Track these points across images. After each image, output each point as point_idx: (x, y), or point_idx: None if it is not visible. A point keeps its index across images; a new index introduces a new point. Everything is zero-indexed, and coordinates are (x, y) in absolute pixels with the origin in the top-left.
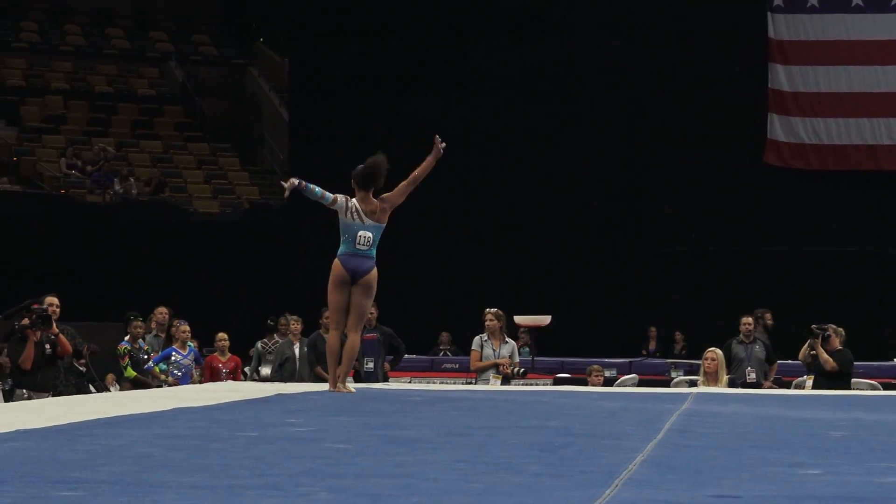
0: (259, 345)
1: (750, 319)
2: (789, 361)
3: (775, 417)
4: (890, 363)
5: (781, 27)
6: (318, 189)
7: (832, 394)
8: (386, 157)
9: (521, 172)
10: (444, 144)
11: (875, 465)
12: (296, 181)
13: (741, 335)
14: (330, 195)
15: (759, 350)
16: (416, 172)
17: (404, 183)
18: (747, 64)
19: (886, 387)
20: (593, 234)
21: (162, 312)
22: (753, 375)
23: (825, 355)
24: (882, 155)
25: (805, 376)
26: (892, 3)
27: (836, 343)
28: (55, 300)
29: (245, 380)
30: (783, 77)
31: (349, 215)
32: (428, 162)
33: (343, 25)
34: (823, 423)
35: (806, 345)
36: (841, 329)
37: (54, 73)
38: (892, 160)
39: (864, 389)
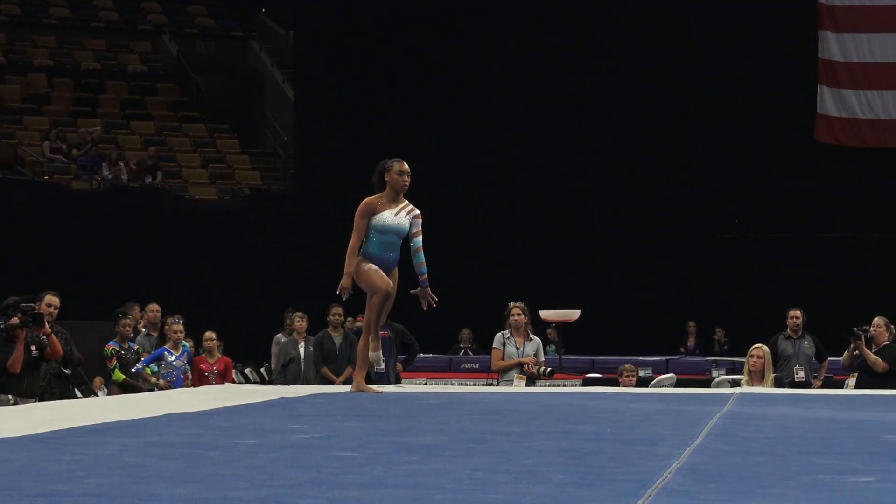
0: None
1: (798, 313)
2: (841, 359)
3: (826, 420)
4: None
5: None
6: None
7: (887, 394)
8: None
9: (547, 157)
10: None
11: None
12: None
13: (788, 330)
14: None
15: (808, 346)
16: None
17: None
18: (795, 32)
19: None
20: (625, 221)
21: (153, 310)
22: (802, 374)
23: (873, 356)
24: None
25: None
26: None
27: (885, 337)
28: (55, 300)
29: (249, 382)
30: (835, 46)
31: None
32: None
33: None
34: (878, 426)
35: (849, 348)
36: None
37: (37, 49)
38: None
39: None
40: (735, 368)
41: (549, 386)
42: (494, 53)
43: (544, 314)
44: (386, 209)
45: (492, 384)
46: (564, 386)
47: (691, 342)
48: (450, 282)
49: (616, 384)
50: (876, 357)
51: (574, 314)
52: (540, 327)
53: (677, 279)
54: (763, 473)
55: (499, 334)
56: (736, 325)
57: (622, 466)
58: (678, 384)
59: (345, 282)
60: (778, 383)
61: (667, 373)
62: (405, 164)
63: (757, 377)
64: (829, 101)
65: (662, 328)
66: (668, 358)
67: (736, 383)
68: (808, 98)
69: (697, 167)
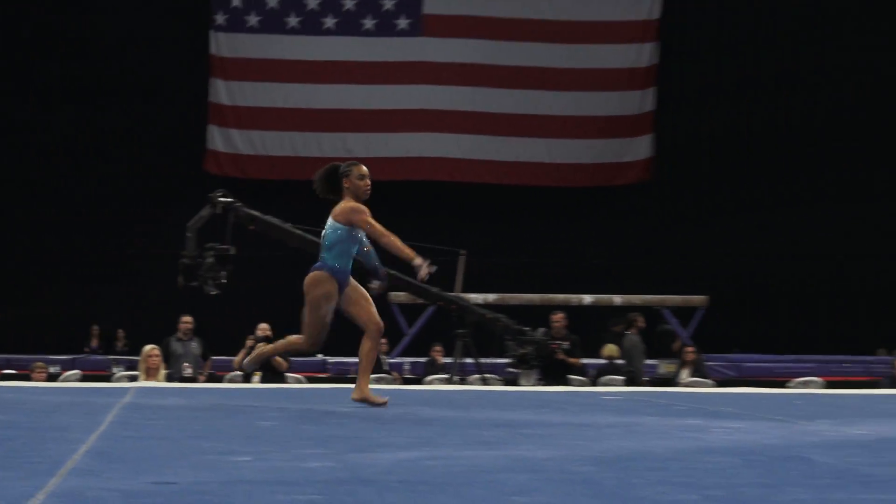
0: None
1: (189, 318)
2: (222, 357)
3: (209, 408)
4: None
5: (223, 45)
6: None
7: (265, 387)
8: (330, 168)
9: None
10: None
11: (301, 452)
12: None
13: (180, 332)
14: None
15: (195, 347)
16: (388, 238)
17: (370, 223)
18: (190, 78)
19: (312, 379)
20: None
21: None
22: (190, 370)
23: (279, 359)
24: (309, 166)
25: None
26: (325, 26)
27: None
28: None
29: None
30: (223, 92)
31: None
32: (400, 249)
33: None
34: (254, 413)
35: (245, 350)
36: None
37: None
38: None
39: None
40: (133, 365)
41: None
42: None
43: None
44: None
45: None
46: None
47: (95, 342)
48: None
49: (29, 379)
50: (281, 360)
51: None
52: None
53: (81, 287)
54: (159, 455)
55: None
56: (134, 327)
57: (37, 451)
58: (83, 379)
59: (418, 261)
60: (169, 378)
61: (73, 369)
62: (363, 166)
63: (153, 373)
64: (218, 139)
65: (69, 329)
66: (75, 356)
67: (134, 378)
68: (201, 135)
69: (97, 193)
